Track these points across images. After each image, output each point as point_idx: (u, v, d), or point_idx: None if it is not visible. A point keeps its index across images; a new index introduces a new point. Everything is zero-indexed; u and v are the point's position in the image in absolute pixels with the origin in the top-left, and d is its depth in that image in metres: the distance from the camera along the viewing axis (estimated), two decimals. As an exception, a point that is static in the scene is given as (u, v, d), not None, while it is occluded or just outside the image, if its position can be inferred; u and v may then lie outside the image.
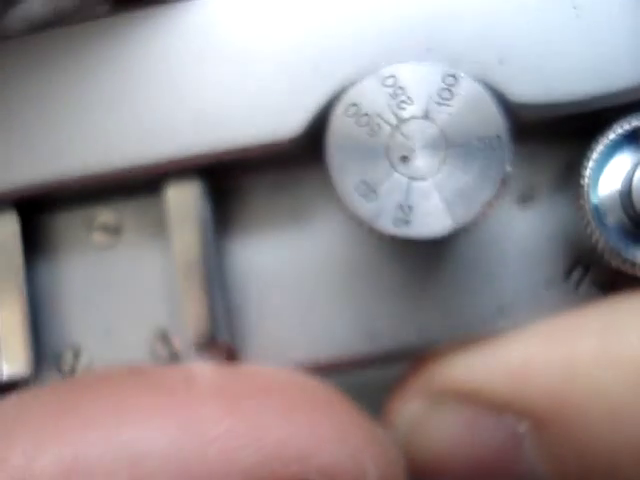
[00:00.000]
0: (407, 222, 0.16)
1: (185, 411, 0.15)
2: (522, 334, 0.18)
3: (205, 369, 0.17)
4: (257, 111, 0.17)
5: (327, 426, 0.16)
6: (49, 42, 0.18)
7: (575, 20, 0.17)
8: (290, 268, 0.19)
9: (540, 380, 0.17)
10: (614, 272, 0.18)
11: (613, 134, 0.17)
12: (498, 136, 0.16)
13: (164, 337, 0.18)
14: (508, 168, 0.16)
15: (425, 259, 0.19)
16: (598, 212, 0.17)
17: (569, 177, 0.19)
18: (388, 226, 0.16)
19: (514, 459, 0.18)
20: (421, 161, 0.17)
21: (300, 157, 0.18)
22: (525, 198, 0.19)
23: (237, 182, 0.19)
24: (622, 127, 0.17)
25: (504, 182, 0.16)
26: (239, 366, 0.18)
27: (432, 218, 0.16)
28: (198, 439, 0.15)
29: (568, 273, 0.19)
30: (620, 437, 0.16)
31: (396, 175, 0.16)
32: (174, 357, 0.18)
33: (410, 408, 0.19)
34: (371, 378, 0.21)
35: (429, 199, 0.16)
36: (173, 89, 0.18)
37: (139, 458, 0.14)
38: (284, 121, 0.17)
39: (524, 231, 0.19)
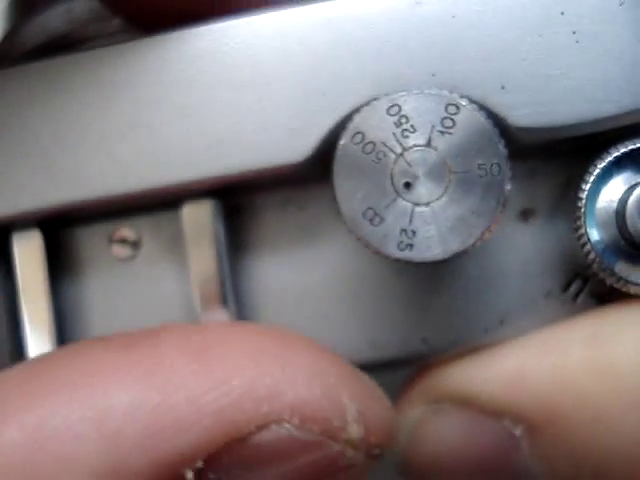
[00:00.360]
0: (411, 246, 0.17)
1: (149, 365, 0.15)
2: (517, 344, 0.19)
3: (170, 327, 0.16)
4: (267, 136, 0.18)
5: (298, 364, 0.16)
6: (68, 68, 0.19)
7: (574, 46, 0.18)
8: (299, 282, 0.20)
9: (533, 387, 0.18)
10: (609, 289, 0.19)
11: (609, 156, 0.18)
12: (497, 164, 0.17)
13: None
14: (507, 193, 0.17)
15: (429, 273, 0.20)
16: (594, 232, 0.18)
17: (569, 193, 0.19)
18: (393, 250, 0.17)
19: (512, 459, 0.19)
20: (424, 187, 0.17)
21: (309, 178, 0.19)
22: (526, 213, 0.20)
23: (249, 201, 0.20)
24: (618, 150, 0.18)
25: (503, 207, 0.17)
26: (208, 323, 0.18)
27: (434, 242, 0.17)
28: (162, 389, 0.15)
29: (567, 285, 0.20)
30: (606, 442, 0.17)
31: (400, 201, 0.17)
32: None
33: (413, 412, 0.20)
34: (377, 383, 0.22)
35: (432, 224, 0.17)
36: (187, 114, 0.18)
37: (105, 416, 0.14)
38: (292, 145, 0.18)
39: (524, 245, 0.20)
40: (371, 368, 0.20)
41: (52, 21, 0.23)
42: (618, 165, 0.18)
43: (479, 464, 0.19)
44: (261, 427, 0.15)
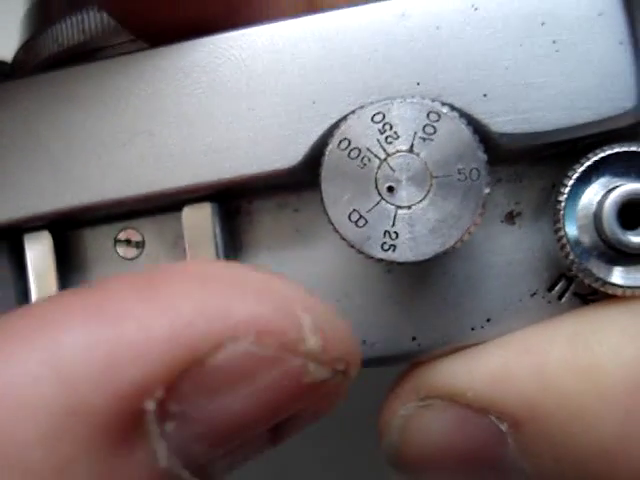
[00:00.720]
0: (394, 247, 0.18)
1: (99, 301, 0.15)
2: (501, 342, 0.20)
3: (123, 274, 0.16)
4: (260, 142, 0.19)
5: (247, 282, 0.15)
6: (75, 79, 0.20)
7: (554, 55, 0.19)
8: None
9: (516, 385, 0.19)
10: (592, 289, 0.20)
11: (587, 161, 0.19)
12: (477, 169, 0.18)
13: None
14: (485, 196, 0.18)
15: (417, 274, 0.20)
16: (573, 235, 0.19)
17: (553, 196, 0.20)
18: (376, 251, 0.18)
19: (499, 454, 0.20)
20: (406, 191, 0.18)
21: (302, 183, 0.20)
22: (512, 215, 0.21)
23: (246, 205, 0.21)
24: (596, 155, 0.19)
25: (482, 210, 0.18)
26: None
27: (416, 244, 0.18)
28: (113, 322, 0.14)
29: (552, 285, 0.21)
30: (585, 439, 0.18)
31: (384, 204, 0.18)
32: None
33: (404, 407, 0.21)
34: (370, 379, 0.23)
35: (413, 226, 0.18)
36: (186, 123, 0.20)
37: (59, 356, 0.14)
38: (284, 151, 0.19)
39: (511, 246, 0.21)
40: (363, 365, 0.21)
41: (65, 32, 0.24)
42: (597, 169, 0.19)
43: (467, 458, 0.20)
44: (216, 347, 0.14)
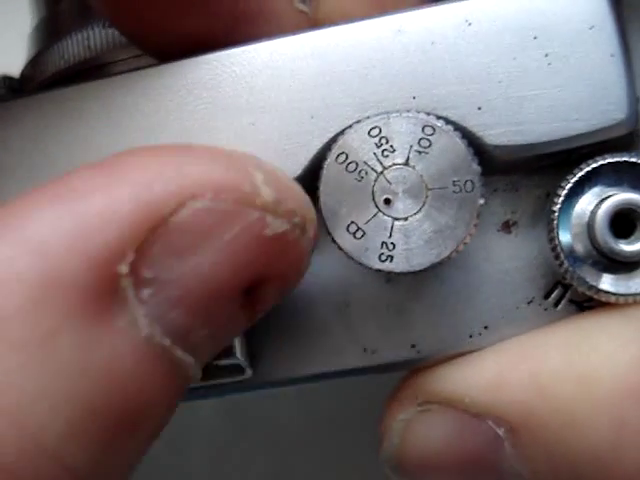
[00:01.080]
0: (391, 258, 0.19)
1: (62, 187, 0.15)
2: (498, 349, 0.20)
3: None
4: (261, 156, 0.20)
5: (199, 150, 0.16)
6: (80, 96, 0.21)
7: (547, 68, 0.19)
8: (297, 291, 0.21)
9: (511, 391, 0.19)
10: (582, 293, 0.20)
11: (580, 172, 0.19)
12: (471, 180, 0.18)
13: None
14: (480, 207, 0.18)
15: (415, 284, 0.21)
16: (567, 243, 0.19)
17: (548, 205, 0.21)
18: (374, 262, 0.19)
19: (496, 459, 0.20)
20: (403, 203, 0.19)
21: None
22: (508, 224, 0.21)
23: None
24: (589, 165, 0.19)
25: (477, 221, 0.18)
26: None
27: (413, 254, 0.19)
28: (77, 199, 0.15)
29: (549, 293, 0.21)
30: (580, 446, 0.19)
31: (381, 216, 0.19)
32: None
33: (403, 413, 0.21)
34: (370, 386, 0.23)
35: (410, 237, 0.19)
36: (188, 138, 0.20)
37: (34, 236, 0.14)
38: (284, 165, 0.20)
39: (507, 254, 0.21)
40: (364, 373, 0.22)
41: (71, 49, 0.25)
42: (589, 180, 0.19)
43: (466, 462, 0.21)
44: (177, 206, 0.15)
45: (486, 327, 0.21)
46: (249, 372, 0.21)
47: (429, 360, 0.21)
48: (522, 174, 0.21)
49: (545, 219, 0.20)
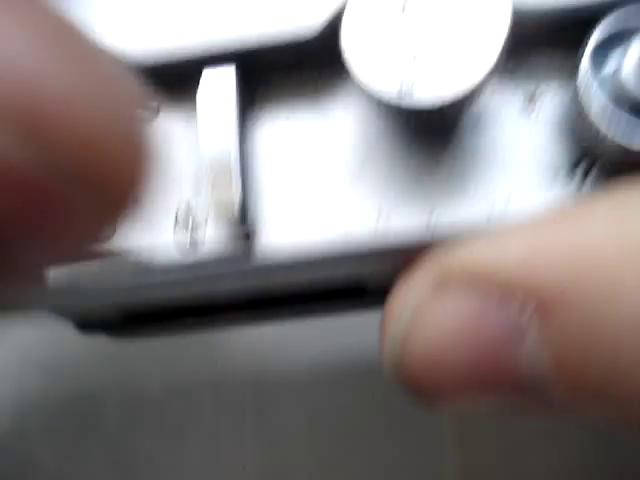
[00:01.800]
0: (410, 95, 0.18)
1: None
2: (530, 221, 0.18)
3: None
4: (281, 10, 0.19)
5: None
6: None
7: None
8: (308, 152, 0.20)
9: (549, 260, 0.18)
10: (618, 165, 0.19)
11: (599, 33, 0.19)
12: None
13: (188, 210, 0.20)
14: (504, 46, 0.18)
15: (434, 146, 0.20)
16: (596, 107, 0.18)
17: (573, 79, 0.20)
18: (394, 98, 0.18)
19: (514, 355, 0.18)
20: (427, 41, 0.18)
21: (321, 55, 0.20)
22: (533, 98, 0.20)
23: (263, 69, 0.20)
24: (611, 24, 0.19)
25: (500, 58, 0.18)
26: None
27: (432, 90, 0.18)
28: None
29: (574, 166, 0.20)
30: (620, 318, 0.17)
31: (403, 53, 0.18)
32: (195, 230, 0.20)
33: (414, 293, 0.19)
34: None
35: (430, 73, 0.18)
36: None
37: None
38: (305, 20, 0.19)
39: (532, 129, 0.20)
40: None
41: None
42: (612, 38, 0.19)
43: (481, 356, 0.18)
44: None
45: (510, 201, 0.20)
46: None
47: (447, 238, 0.20)
48: (542, 52, 0.20)
49: (572, 89, 0.20)
